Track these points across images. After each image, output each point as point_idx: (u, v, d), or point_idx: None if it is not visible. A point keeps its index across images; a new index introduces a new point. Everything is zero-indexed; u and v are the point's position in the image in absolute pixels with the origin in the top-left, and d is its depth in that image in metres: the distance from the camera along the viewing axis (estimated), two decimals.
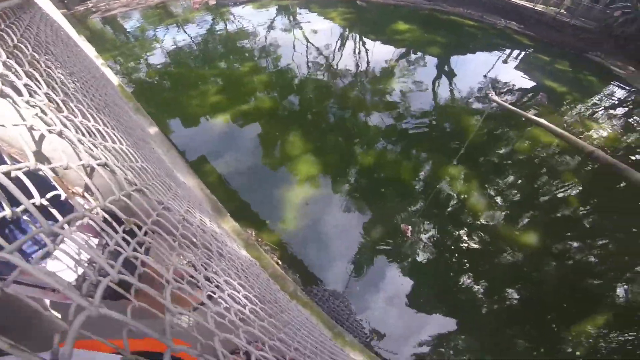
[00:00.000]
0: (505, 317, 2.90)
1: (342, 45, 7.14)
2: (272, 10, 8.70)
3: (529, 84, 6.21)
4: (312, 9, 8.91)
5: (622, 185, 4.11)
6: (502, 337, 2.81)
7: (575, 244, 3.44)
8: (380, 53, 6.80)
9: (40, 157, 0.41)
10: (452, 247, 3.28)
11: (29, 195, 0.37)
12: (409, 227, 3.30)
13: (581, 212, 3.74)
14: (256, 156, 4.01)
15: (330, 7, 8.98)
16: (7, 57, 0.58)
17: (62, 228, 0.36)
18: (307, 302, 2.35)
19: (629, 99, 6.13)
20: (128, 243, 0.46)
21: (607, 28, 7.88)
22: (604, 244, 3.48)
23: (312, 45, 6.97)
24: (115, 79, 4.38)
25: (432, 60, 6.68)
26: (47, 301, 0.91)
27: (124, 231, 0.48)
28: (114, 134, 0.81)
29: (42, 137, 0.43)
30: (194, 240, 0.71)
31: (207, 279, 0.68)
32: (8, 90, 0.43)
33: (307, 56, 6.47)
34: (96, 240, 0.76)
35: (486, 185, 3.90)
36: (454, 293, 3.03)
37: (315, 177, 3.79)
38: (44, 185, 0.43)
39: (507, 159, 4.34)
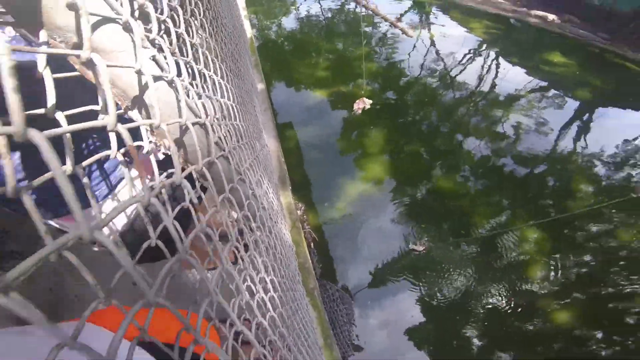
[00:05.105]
0: None
1: (472, 58, 6.44)
2: (406, 4, 8.28)
3: None
4: (451, 13, 8.16)
5: None
6: None
7: (609, 340, 2.91)
8: (514, 78, 5.90)
9: (140, 103, 0.39)
10: (479, 300, 3.02)
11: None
12: (425, 244, 3.13)
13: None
14: (335, 138, 4.10)
15: (474, 17, 8.03)
16: None
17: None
18: (317, 306, 2.30)
19: None
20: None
21: None
22: None
23: (435, 48, 6.45)
24: (249, 31, 4.75)
25: (573, 104, 5.53)
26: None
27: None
28: (226, 85, 0.83)
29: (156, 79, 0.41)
30: (254, 218, 0.69)
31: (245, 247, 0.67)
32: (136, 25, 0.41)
33: (424, 58, 6.04)
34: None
35: (555, 256, 3.36)
36: (454, 343, 2.82)
37: (381, 179, 3.71)
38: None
39: (597, 239, 3.58)
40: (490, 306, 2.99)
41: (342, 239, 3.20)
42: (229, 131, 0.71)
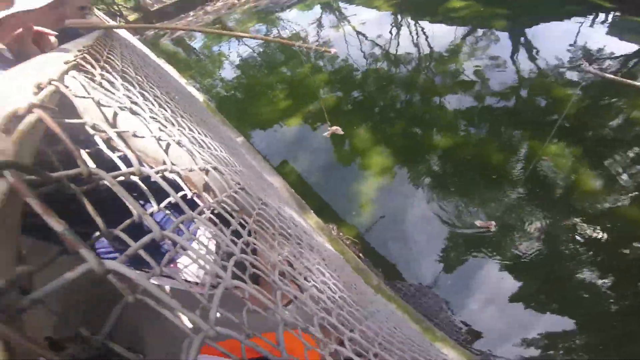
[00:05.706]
0: (635, 311, 2.38)
1: (397, 32, 6.74)
2: (317, 9, 8.68)
3: (630, 48, 4.85)
4: (353, 0, 8.57)
5: None
6: (630, 334, 2.31)
7: None
8: (440, 34, 6.13)
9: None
10: (563, 235, 2.79)
11: (166, 195, 0.43)
12: (492, 222, 2.87)
13: None
14: (330, 154, 4.15)
15: None
16: (123, 81, 0.65)
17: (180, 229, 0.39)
18: (392, 296, 2.28)
19: None
20: (235, 242, 0.47)
21: None
22: None
23: (364, 37, 6.75)
24: (200, 96, 4.97)
25: (502, 35, 5.74)
26: (168, 287, 1.06)
27: (232, 231, 0.49)
28: (213, 143, 0.91)
29: (168, 146, 0.50)
30: (289, 231, 0.75)
31: (299, 272, 0.70)
32: (137, 108, 0.51)
33: (361, 49, 6.29)
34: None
35: (600, 162, 3.22)
36: (567, 288, 2.59)
37: (390, 168, 3.70)
38: (173, 186, 0.50)
39: (622, 130, 3.50)
40: (575, 239, 2.77)
41: (389, 239, 3.09)
42: (236, 172, 0.78)
